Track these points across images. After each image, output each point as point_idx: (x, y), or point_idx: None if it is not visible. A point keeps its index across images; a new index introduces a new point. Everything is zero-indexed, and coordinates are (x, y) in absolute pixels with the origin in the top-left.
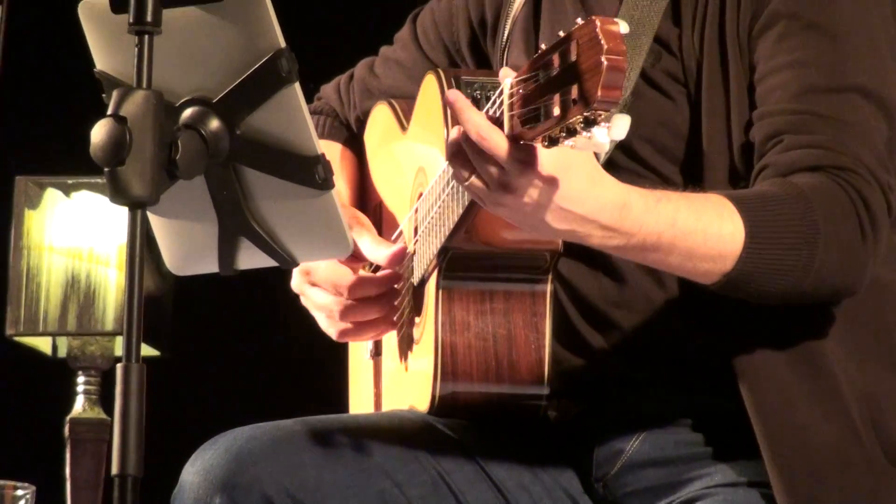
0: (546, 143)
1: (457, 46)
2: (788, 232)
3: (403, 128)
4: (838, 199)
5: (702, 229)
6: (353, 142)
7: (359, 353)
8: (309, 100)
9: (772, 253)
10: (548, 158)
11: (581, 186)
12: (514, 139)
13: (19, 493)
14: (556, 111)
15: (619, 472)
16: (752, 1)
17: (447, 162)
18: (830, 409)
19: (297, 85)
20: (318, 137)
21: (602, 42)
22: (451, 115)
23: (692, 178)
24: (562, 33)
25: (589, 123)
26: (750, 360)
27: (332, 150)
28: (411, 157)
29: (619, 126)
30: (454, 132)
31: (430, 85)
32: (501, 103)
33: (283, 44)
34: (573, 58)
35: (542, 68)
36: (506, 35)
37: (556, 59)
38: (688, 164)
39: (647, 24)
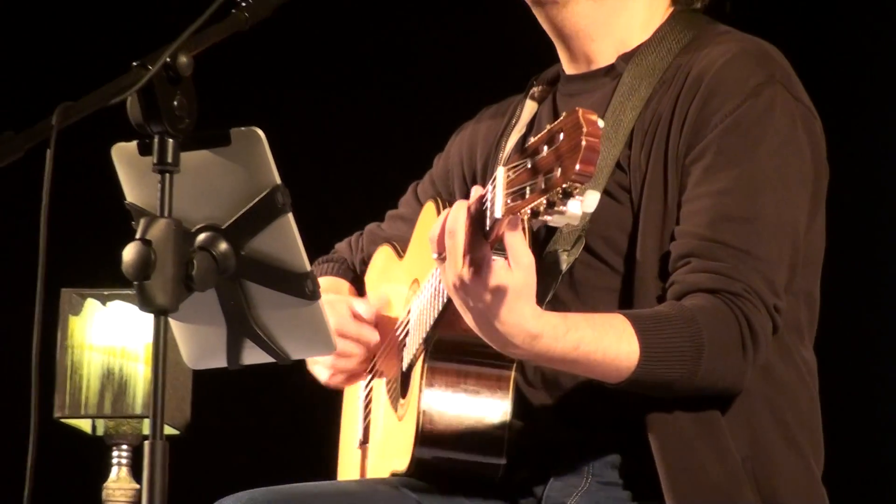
0: (530, 216)
1: (453, 196)
2: (676, 350)
3: (401, 256)
4: (726, 321)
5: (601, 351)
6: (357, 282)
7: (349, 439)
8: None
9: (661, 367)
10: (493, 274)
11: (505, 311)
12: (494, 226)
13: None
14: (541, 186)
15: (553, 496)
16: (690, 134)
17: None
18: (722, 458)
19: (290, 214)
20: (329, 276)
21: (583, 126)
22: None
23: (630, 266)
24: (548, 126)
25: (566, 195)
26: (659, 417)
27: (341, 286)
28: (408, 273)
29: (590, 199)
30: (440, 218)
31: (429, 210)
32: (495, 186)
33: (278, 181)
34: (558, 141)
35: (531, 155)
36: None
37: (542, 146)
38: (629, 255)
39: (612, 154)
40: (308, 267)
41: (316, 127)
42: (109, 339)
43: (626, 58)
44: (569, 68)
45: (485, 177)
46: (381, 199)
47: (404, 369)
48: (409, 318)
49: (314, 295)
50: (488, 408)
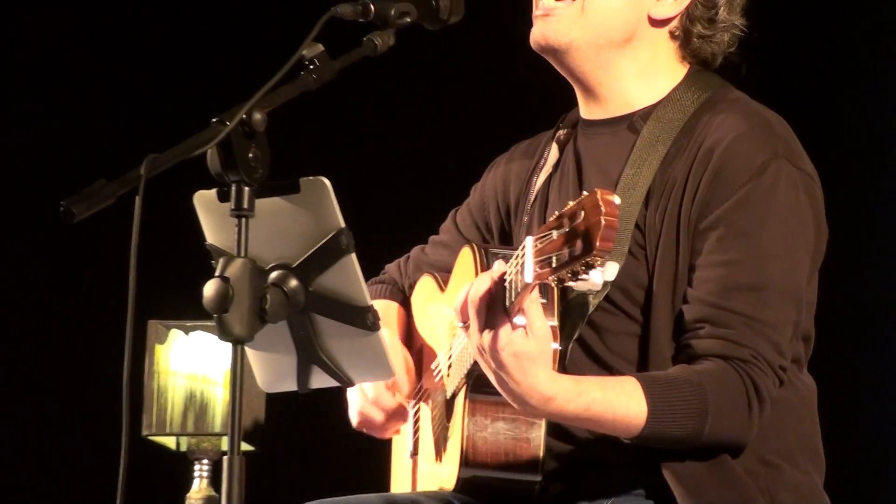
0: (557, 283)
1: (488, 227)
2: (682, 412)
3: (442, 290)
4: (734, 385)
5: (611, 412)
6: (406, 303)
7: (401, 450)
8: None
9: (667, 427)
10: (511, 342)
11: (521, 375)
12: (514, 307)
13: None
14: (566, 257)
15: None
16: (702, 204)
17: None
18: (734, 488)
19: (353, 255)
20: (381, 298)
21: (602, 207)
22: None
23: (647, 315)
24: (571, 202)
25: (588, 267)
26: (674, 460)
27: (391, 308)
28: (448, 310)
29: (610, 270)
30: (464, 290)
31: (465, 255)
32: (523, 254)
33: (342, 224)
34: (580, 218)
35: (556, 228)
36: (526, 218)
37: (566, 220)
38: (645, 306)
39: (631, 212)
40: (369, 301)
41: (371, 164)
42: (191, 365)
43: (644, 115)
44: (585, 112)
45: (517, 211)
46: (427, 224)
47: (448, 396)
48: (451, 353)
49: (374, 326)
50: (524, 433)
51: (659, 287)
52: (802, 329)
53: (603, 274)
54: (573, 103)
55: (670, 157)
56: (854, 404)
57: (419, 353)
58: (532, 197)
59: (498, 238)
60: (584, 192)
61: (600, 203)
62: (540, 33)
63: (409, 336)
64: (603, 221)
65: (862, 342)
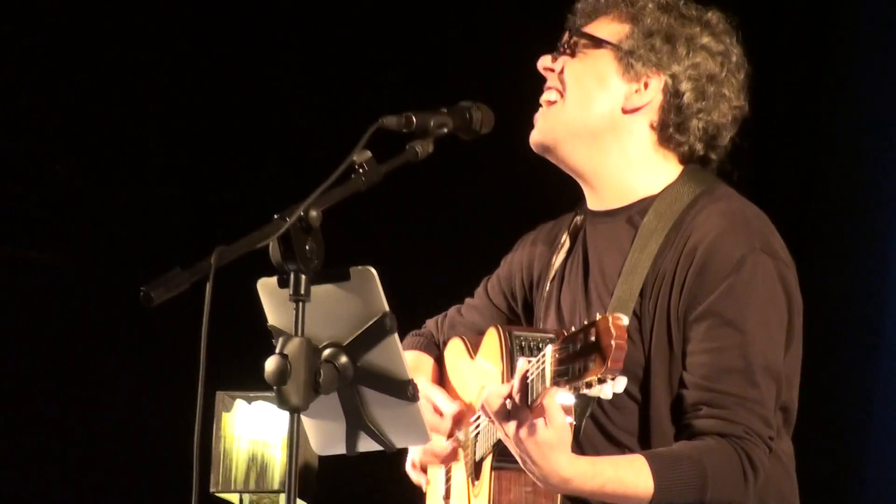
0: (573, 391)
1: (514, 296)
2: (684, 485)
3: (471, 356)
4: (730, 458)
5: (623, 488)
6: (439, 356)
7: (434, 493)
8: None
9: (672, 497)
10: (535, 432)
11: (542, 460)
12: (533, 402)
13: None
14: (580, 371)
15: None
16: (688, 297)
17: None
18: None
19: (395, 335)
20: (415, 349)
21: (612, 331)
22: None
23: (646, 393)
24: (586, 321)
25: (601, 381)
26: None
27: (425, 359)
28: (476, 377)
29: (619, 383)
30: (493, 389)
31: (491, 336)
32: (544, 361)
33: (387, 308)
34: (593, 339)
35: (572, 342)
36: (546, 293)
37: (580, 338)
38: (644, 385)
39: (631, 298)
40: (409, 376)
41: (415, 247)
42: (253, 431)
43: (641, 210)
44: (590, 203)
45: (538, 285)
46: (463, 286)
47: (477, 459)
48: (479, 422)
49: (414, 398)
50: (543, 497)
51: (655, 367)
52: (781, 401)
53: (613, 387)
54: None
55: (661, 251)
56: (837, 466)
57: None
58: (552, 275)
59: (521, 305)
60: (597, 315)
61: (611, 328)
62: (533, 135)
63: (441, 385)
64: (614, 344)
65: (841, 400)
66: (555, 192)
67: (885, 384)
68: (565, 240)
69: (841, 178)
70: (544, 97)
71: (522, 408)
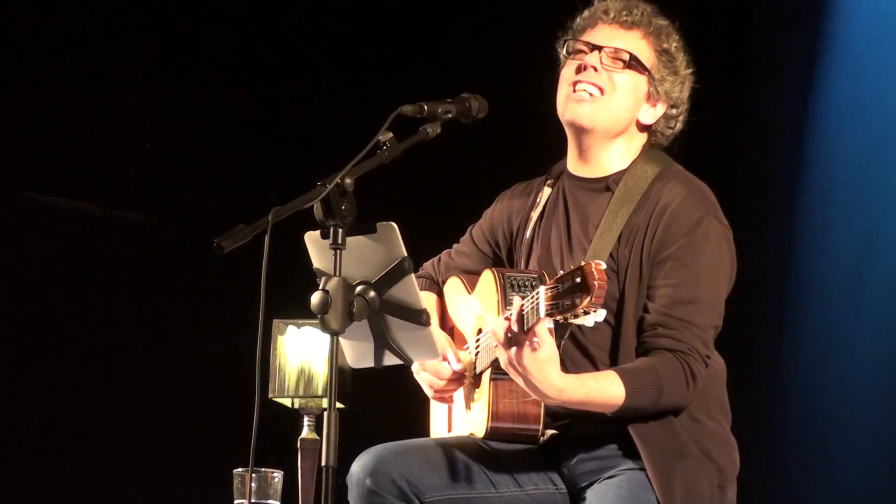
0: (562, 321)
1: (496, 243)
2: (646, 391)
3: (469, 292)
4: (677, 370)
5: (602, 396)
6: (440, 293)
7: (438, 404)
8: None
9: (637, 402)
10: (529, 353)
11: (539, 372)
12: (529, 330)
13: (276, 476)
14: (569, 306)
15: (575, 464)
16: (657, 245)
17: (487, 332)
18: (674, 433)
19: (412, 275)
20: (421, 290)
21: (595, 274)
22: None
23: (619, 318)
24: (572, 266)
25: (585, 313)
26: (637, 419)
27: (430, 297)
28: (474, 308)
29: (600, 314)
30: (497, 321)
31: (487, 275)
32: (537, 298)
33: (405, 254)
34: (578, 280)
35: (561, 282)
36: (527, 239)
37: (568, 279)
38: (618, 312)
39: (607, 246)
40: (423, 306)
41: (423, 206)
42: (302, 350)
43: (615, 180)
44: (574, 169)
45: (518, 234)
46: (452, 234)
47: (477, 372)
48: (479, 343)
49: (427, 323)
50: (531, 400)
51: (627, 298)
52: (718, 327)
53: (595, 317)
54: (557, 157)
55: (636, 212)
56: (750, 378)
57: (450, 332)
58: (531, 225)
59: (505, 251)
60: (582, 261)
61: (594, 272)
62: (577, 113)
63: (443, 318)
64: (596, 285)
65: (755, 336)
66: (523, 169)
67: (792, 320)
68: (541, 197)
69: (756, 160)
70: (587, 87)
71: (519, 333)
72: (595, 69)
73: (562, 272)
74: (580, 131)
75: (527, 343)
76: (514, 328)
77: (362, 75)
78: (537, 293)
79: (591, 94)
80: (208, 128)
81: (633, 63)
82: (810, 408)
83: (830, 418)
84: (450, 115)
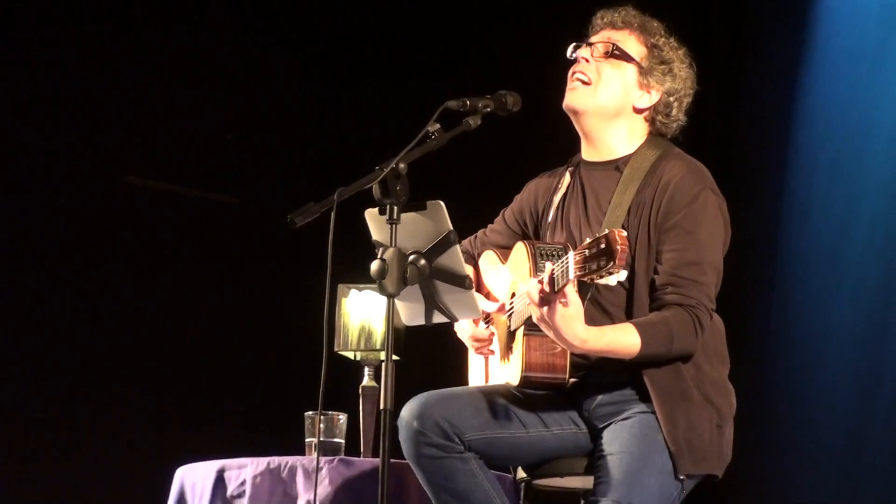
0: (589, 281)
1: (524, 223)
2: (660, 340)
3: (502, 262)
4: (686, 321)
5: (621, 345)
6: (476, 266)
7: (475, 355)
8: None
9: (652, 349)
10: (559, 310)
11: (567, 326)
12: (559, 289)
13: (341, 418)
14: (595, 268)
15: (595, 408)
16: (662, 216)
17: (522, 294)
18: (680, 378)
19: (457, 245)
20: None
21: (619, 240)
22: (540, 280)
23: (631, 281)
24: (597, 234)
25: (610, 273)
26: (648, 366)
27: (468, 269)
28: (507, 277)
29: (622, 274)
30: (528, 285)
31: (519, 247)
32: (567, 262)
33: (451, 227)
34: (603, 246)
35: (588, 248)
36: (550, 219)
37: (594, 244)
38: (630, 275)
39: (619, 219)
40: (466, 272)
41: (463, 190)
42: (363, 310)
43: (623, 162)
44: (586, 155)
45: (544, 214)
46: (488, 214)
47: (511, 329)
48: (513, 304)
49: (469, 287)
50: (559, 352)
51: (638, 263)
52: (719, 287)
53: (617, 277)
54: (576, 149)
55: (642, 188)
56: (746, 333)
57: (486, 296)
58: (555, 206)
59: (531, 228)
60: (606, 229)
61: (618, 238)
62: (568, 100)
63: (479, 286)
64: (619, 249)
65: (750, 299)
66: (551, 156)
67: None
68: (563, 182)
69: (749, 149)
70: (578, 76)
71: (550, 293)
72: (587, 60)
73: (588, 239)
74: (574, 115)
75: (557, 301)
76: (546, 289)
77: (414, 74)
78: (567, 258)
79: (582, 83)
80: (282, 120)
81: (617, 53)
82: (796, 359)
83: (812, 368)
84: (488, 109)
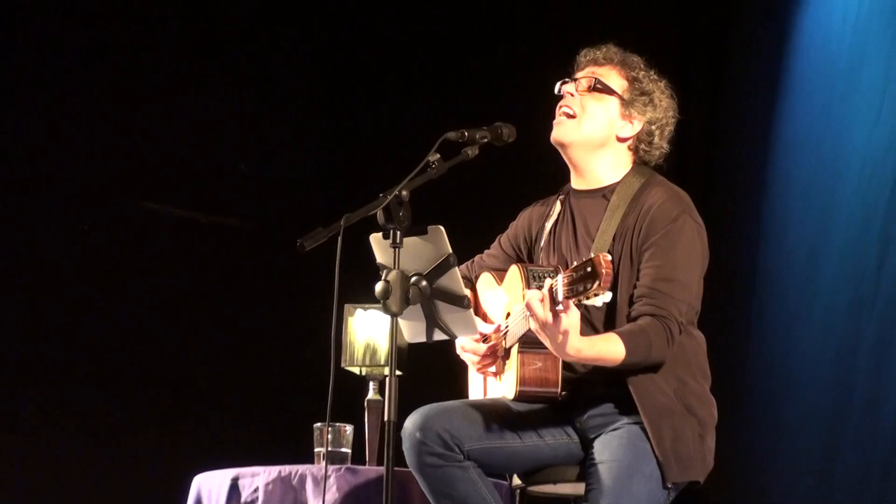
0: (577, 303)
1: (519, 247)
2: (640, 348)
3: (498, 283)
4: (660, 332)
5: (609, 353)
6: (473, 288)
7: (474, 373)
8: None
9: (634, 356)
10: (559, 322)
11: (564, 336)
12: (558, 303)
13: (347, 429)
14: (582, 290)
15: (586, 420)
16: (642, 238)
17: (526, 307)
18: (663, 393)
19: (456, 268)
20: None
21: (604, 264)
22: (532, 297)
23: (615, 299)
24: (584, 258)
25: (596, 295)
26: (634, 379)
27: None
28: (502, 298)
29: (607, 296)
30: (527, 297)
31: (514, 271)
32: (556, 284)
33: (450, 251)
34: (590, 269)
35: (575, 271)
36: (542, 244)
37: (581, 269)
38: (614, 291)
39: (606, 244)
40: (465, 293)
41: (461, 217)
42: (368, 328)
43: (610, 190)
44: (575, 184)
45: (537, 240)
46: (485, 238)
47: (507, 347)
48: (508, 325)
49: (468, 307)
50: (551, 368)
51: (621, 283)
52: (694, 306)
53: (603, 298)
54: (566, 179)
55: (626, 215)
56: (727, 348)
57: (483, 317)
58: (547, 232)
59: (525, 254)
60: (593, 254)
61: (602, 262)
62: (555, 134)
63: (476, 307)
64: (604, 273)
65: (730, 317)
66: (543, 184)
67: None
68: (554, 210)
69: (729, 173)
70: (564, 110)
71: (551, 307)
72: (571, 95)
73: (575, 263)
74: (562, 147)
75: (557, 312)
76: (547, 300)
77: (415, 106)
78: (556, 280)
79: (568, 116)
80: (292, 149)
81: (600, 87)
82: (773, 372)
83: (789, 380)
84: (485, 140)
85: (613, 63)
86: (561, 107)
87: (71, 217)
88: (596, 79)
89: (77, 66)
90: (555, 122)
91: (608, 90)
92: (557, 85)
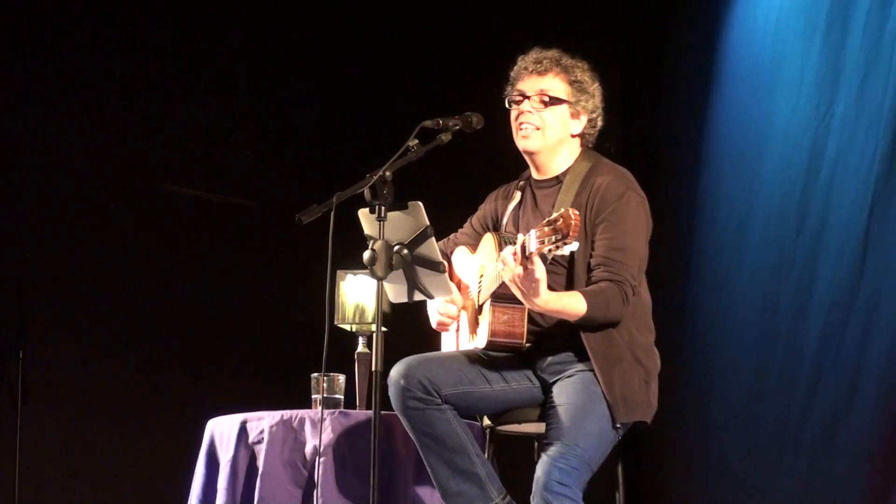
0: (547, 252)
1: (487, 226)
2: (598, 306)
3: (472, 254)
4: (616, 293)
5: (572, 307)
6: (449, 261)
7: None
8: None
9: (593, 313)
10: (528, 274)
11: (533, 287)
12: (530, 254)
13: (340, 378)
14: (553, 240)
15: (546, 366)
16: (594, 213)
17: (498, 260)
18: (614, 344)
19: (433, 238)
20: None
21: (572, 216)
22: (506, 254)
23: (572, 266)
24: (555, 214)
25: (566, 244)
26: (589, 333)
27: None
28: (476, 263)
29: (574, 245)
30: (503, 253)
31: (488, 238)
32: (528, 239)
33: (428, 223)
34: (561, 222)
35: (547, 224)
36: (504, 224)
37: (552, 223)
38: (569, 261)
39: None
40: (440, 259)
41: (436, 198)
42: (357, 291)
43: (562, 176)
44: (534, 175)
45: (500, 220)
46: (457, 211)
47: (479, 304)
48: (480, 284)
49: (443, 271)
50: (518, 321)
51: (577, 253)
52: (642, 268)
53: (570, 247)
54: (526, 165)
55: (579, 193)
56: (668, 305)
57: (457, 285)
58: (509, 213)
59: (493, 232)
60: (562, 209)
61: (571, 215)
62: (525, 144)
63: (451, 275)
64: (573, 224)
65: (671, 278)
66: (508, 164)
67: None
68: (515, 195)
69: (670, 153)
70: (529, 124)
71: (522, 258)
72: (530, 112)
73: (548, 218)
74: (531, 154)
75: (527, 265)
76: (519, 254)
77: (396, 99)
78: (530, 233)
79: (534, 128)
80: (291, 136)
81: (553, 101)
82: (708, 327)
83: (721, 333)
84: (457, 127)
85: (555, 71)
86: (522, 123)
87: (103, 196)
88: (546, 95)
89: (102, 60)
90: (521, 134)
91: (558, 101)
92: (506, 100)
